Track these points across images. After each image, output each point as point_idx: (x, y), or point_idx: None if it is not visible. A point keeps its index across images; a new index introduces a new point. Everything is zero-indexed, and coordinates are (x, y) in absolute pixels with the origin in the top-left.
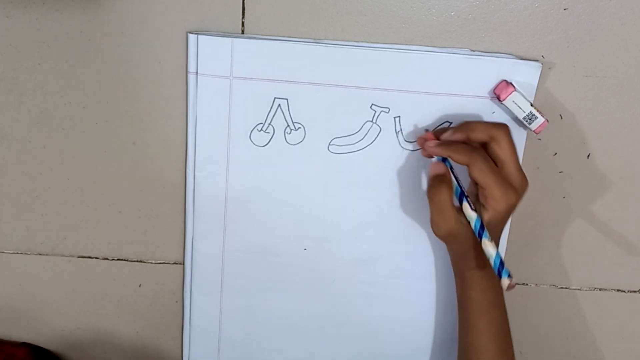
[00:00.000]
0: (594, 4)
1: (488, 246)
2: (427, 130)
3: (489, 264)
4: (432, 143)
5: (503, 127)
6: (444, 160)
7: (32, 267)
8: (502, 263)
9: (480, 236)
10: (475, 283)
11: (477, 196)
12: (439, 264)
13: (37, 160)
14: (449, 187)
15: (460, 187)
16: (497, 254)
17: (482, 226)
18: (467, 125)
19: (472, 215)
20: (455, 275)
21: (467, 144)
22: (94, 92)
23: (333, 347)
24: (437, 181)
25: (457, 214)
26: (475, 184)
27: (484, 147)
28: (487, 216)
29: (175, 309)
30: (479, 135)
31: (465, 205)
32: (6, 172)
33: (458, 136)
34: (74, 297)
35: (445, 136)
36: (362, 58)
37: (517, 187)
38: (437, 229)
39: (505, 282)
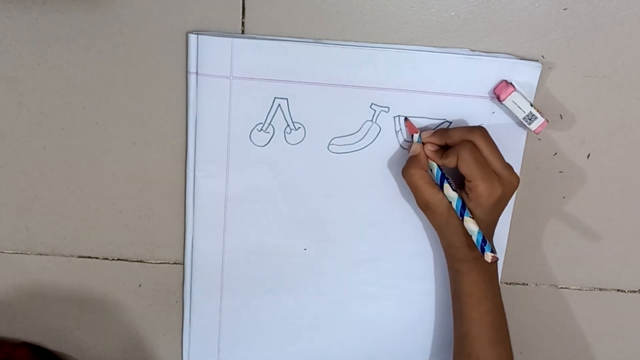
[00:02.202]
0: (594, 4)
1: (470, 223)
2: (406, 119)
3: (479, 256)
4: (427, 133)
5: (478, 130)
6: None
7: (32, 267)
8: (484, 239)
9: (462, 215)
10: (466, 275)
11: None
12: (439, 264)
13: (37, 160)
14: (420, 167)
15: (441, 169)
16: (479, 231)
17: (463, 205)
18: (445, 131)
19: (452, 195)
20: (448, 267)
21: (461, 133)
22: (94, 92)
23: (333, 347)
24: (409, 162)
25: (432, 189)
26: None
27: None
28: (473, 209)
29: (175, 309)
30: (454, 141)
31: (446, 186)
32: (6, 172)
33: (435, 140)
34: (74, 297)
35: (423, 137)
36: (362, 58)
37: (504, 181)
38: (416, 201)
39: (488, 256)
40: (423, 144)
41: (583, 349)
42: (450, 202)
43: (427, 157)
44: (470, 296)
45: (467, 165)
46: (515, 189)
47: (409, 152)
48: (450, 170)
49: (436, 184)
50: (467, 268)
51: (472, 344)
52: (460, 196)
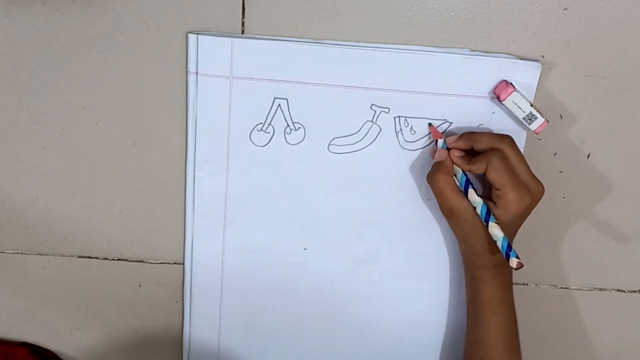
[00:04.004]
0: (594, 4)
1: (495, 229)
2: (430, 124)
3: (500, 264)
4: (452, 138)
5: (507, 138)
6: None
7: (32, 267)
8: (509, 245)
9: (487, 221)
10: (486, 282)
11: (490, 197)
12: (439, 264)
13: (37, 160)
14: (447, 173)
15: (465, 174)
16: (504, 236)
17: (488, 211)
18: (472, 135)
19: (477, 201)
20: (465, 273)
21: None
22: (94, 92)
23: (333, 347)
24: (435, 168)
25: (457, 195)
26: (489, 186)
27: None
28: (499, 216)
29: (175, 309)
30: (482, 147)
31: (471, 191)
32: (6, 172)
33: (461, 145)
34: (74, 297)
35: (448, 143)
36: (362, 58)
37: (532, 191)
38: (440, 207)
39: (514, 261)
40: (447, 149)
41: (583, 349)
42: (475, 208)
43: (453, 162)
44: (488, 303)
45: (498, 173)
46: (541, 198)
47: (432, 157)
48: (472, 177)
49: (460, 190)
50: (488, 275)
51: (487, 350)
52: (484, 202)
